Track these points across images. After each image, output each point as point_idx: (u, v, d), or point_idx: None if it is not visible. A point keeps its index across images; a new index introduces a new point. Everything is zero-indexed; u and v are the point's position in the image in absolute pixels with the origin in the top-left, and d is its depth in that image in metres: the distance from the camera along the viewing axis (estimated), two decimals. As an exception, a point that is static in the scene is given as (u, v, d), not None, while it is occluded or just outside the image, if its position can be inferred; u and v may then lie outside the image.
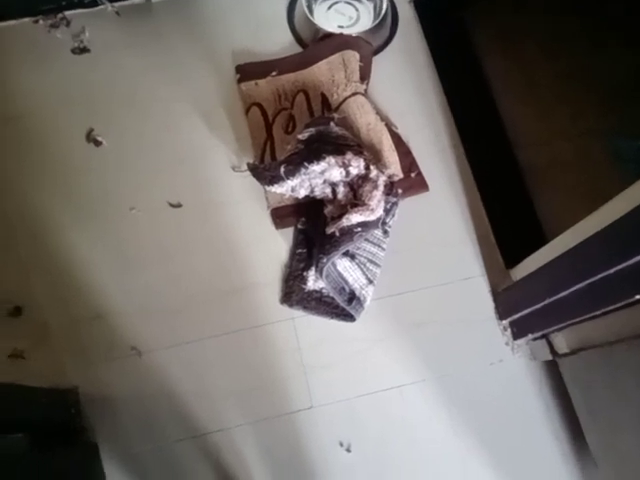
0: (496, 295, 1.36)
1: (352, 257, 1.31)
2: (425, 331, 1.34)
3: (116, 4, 1.63)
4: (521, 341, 1.32)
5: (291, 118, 1.50)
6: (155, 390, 1.27)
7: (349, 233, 1.24)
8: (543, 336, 1.25)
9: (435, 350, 1.33)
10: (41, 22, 1.61)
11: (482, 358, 1.34)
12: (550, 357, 1.24)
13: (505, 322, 1.34)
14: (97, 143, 1.46)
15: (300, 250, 1.38)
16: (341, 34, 1.53)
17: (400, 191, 1.37)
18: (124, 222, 1.39)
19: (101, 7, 1.62)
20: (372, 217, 1.25)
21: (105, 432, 1.23)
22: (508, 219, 1.44)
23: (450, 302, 1.36)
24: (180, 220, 1.40)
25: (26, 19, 1.62)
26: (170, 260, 1.37)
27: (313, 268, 1.33)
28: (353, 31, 1.58)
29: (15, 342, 1.28)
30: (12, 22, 1.61)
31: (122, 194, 1.42)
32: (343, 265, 1.29)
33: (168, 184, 1.43)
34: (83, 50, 1.57)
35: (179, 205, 1.42)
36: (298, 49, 1.62)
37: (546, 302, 1.10)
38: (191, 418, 1.25)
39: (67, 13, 1.62)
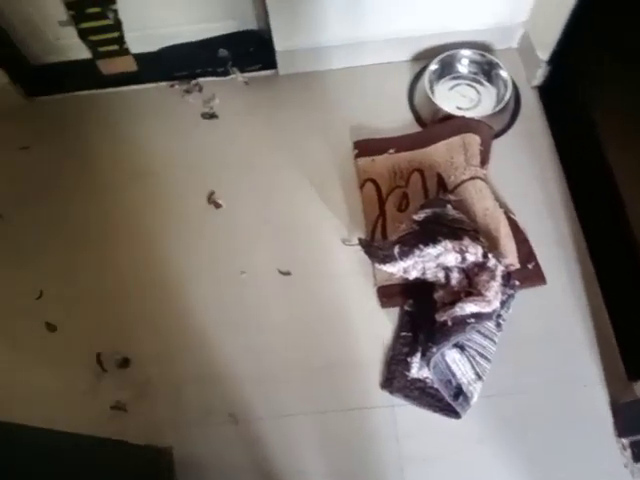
0: (616, 408, 1.24)
1: (462, 349, 1.25)
2: (534, 438, 1.24)
3: (246, 74, 1.72)
4: (644, 464, 1.19)
5: (405, 196, 1.49)
6: (248, 461, 1.24)
7: (461, 323, 1.19)
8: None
9: (544, 460, 1.22)
10: (177, 87, 1.73)
11: (596, 477, 1.21)
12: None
13: (625, 441, 1.21)
14: (217, 205, 1.52)
15: (405, 333, 1.34)
16: (463, 117, 1.53)
17: (517, 283, 1.31)
18: (234, 285, 1.42)
19: (232, 76, 1.72)
20: (488, 309, 1.19)
21: (195, 499, 1.22)
22: (634, 322, 1.33)
23: (563, 409, 1.26)
24: (287, 289, 1.41)
25: (163, 83, 1.75)
26: (274, 328, 1.37)
27: (418, 354, 1.28)
28: (473, 114, 1.57)
29: (119, 394, 1.31)
30: (151, 85, 1.75)
31: (235, 257, 1.45)
32: (452, 357, 1.24)
33: (279, 251, 1.46)
34: (212, 116, 1.66)
35: (288, 273, 1.43)
36: (416, 128, 1.63)
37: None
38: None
39: (200, 80, 1.73)
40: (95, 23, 1.58)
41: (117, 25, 1.60)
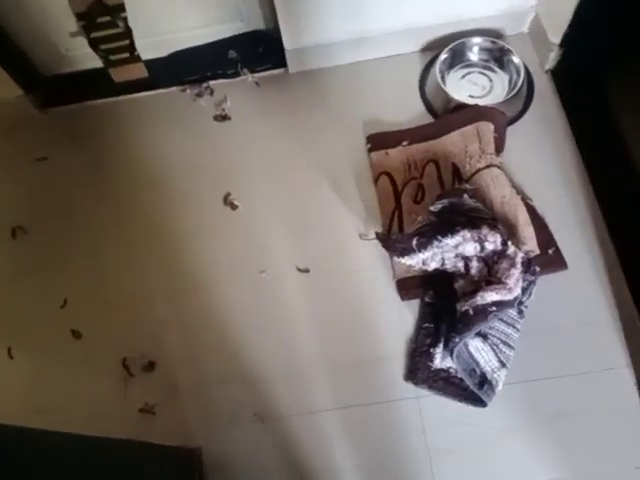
0: (644, 390, 1.23)
1: (484, 337, 1.24)
2: (562, 424, 1.23)
3: (256, 75, 1.73)
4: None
5: (420, 188, 1.49)
6: (277, 459, 1.25)
7: (483, 312, 1.18)
8: None
9: (573, 446, 1.21)
10: (188, 91, 1.74)
11: (627, 460, 1.20)
12: None
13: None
14: (233, 207, 1.53)
15: (427, 324, 1.33)
16: (476, 105, 1.52)
17: (538, 269, 1.29)
18: (254, 285, 1.43)
19: (242, 77, 1.73)
20: (509, 296, 1.18)
21: (226, 499, 1.23)
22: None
23: (590, 393, 1.25)
24: (307, 286, 1.42)
25: (174, 88, 1.76)
26: (296, 326, 1.37)
27: (440, 345, 1.28)
28: (485, 102, 1.56)
29: (147, 397, 1.33)
30: (162, 91, 1.76)
31: (254, 257, 1.46)
32: (475, 346, 1.23)
33: (297, 249, 1.46)
34: (224, 118, 1.67)
35: (307, 270, 1.43)
36: (429, 119, 1.62)
37: None
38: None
39: (211, 83, 1.74)
40: (105, 32, 1.59)
41: (127, 33, 1.61)
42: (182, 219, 1.53)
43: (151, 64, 1.73)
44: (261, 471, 1.24)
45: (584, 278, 1.36)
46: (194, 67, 1.74)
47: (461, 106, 1.55)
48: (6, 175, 1.67)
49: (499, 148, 1.47)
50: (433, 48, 1.69)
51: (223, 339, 1.37)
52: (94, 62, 1.72)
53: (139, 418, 1.31)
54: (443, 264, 1.30)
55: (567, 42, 1.54)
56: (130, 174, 1.62)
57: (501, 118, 1.50)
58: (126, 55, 1.67)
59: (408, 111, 1.63)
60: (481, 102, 1.54)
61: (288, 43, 1.63)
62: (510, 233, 1.32)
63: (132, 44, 1.65)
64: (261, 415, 1.29)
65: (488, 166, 1.42)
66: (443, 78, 1.60)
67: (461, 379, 1.24)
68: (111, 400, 1.34)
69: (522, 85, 1.55)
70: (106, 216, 1.56)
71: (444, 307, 1.31)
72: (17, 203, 1.62)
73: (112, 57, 1.67)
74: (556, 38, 1.55)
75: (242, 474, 1.24)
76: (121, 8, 1.56)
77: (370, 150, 1.55)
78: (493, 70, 1.63)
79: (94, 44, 1.63)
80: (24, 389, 1.38)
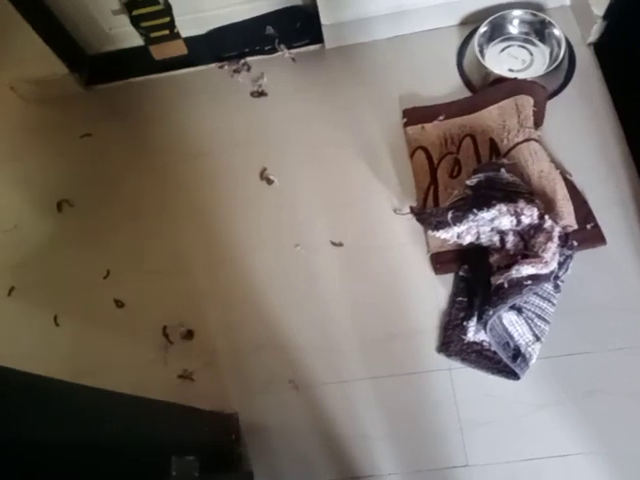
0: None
1: (519, 311, 1.24)
2: (597, 400, 1.22)
3: (293, 51, 1.74)
4: None
5: (457, 162, 1.48)
6: (310, 426, 1.28)
7: (518, 285, 1.18)
8: None
9: (606, 423, 1.20)
10: (226, 67, 1.76)
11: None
12: None
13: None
14: (269, 181, 1.55)
15: (460, 298, 1.34)
16: (515, 79, 1.49)
17: (575, 243, 1.28)
18: (289, 258, 1.45)
19: (279, 53, 1.74)
20: (545, 270, 1.17)
21: (261, 462, 1.27)
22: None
23: (626, 372, 1.23)
24: (340, 259, 1.43)
25: (213, 65, 1.79)
26: (331, 298, 1.39)
27: (474, 318, 1.28)
28: (525, 75, 1.53)
29: (186, 364, 1.37)
30: (201, 67, 1.79)
31: (289, 231, 1.48)
32: (509, 319, 1.23)
33: (331, 224, 1.48)
34: (261, 94, 1.69)
35: (340, 244, 1.45)
36: (466, 93, 1.60)
37: None
38: (344, 459, 1.24)
39: (249, 59, 1.76)
40: (146, 9, 1.63)
41: (167, 10, 1.64)
42: (219, 193, 1.57)
43: (190, 41, 1.76)
44: (294, 436, 1.28)
45: (622, 256, 1.34)
46: (232, 44, 1.76)
47: (500, 80, 1.53)
48: (52, 150, 1.73)
49: (538, 122, 1.45)
50: (472, 22, 1.67)
51: (259, 310, 1.40)
52: (136, 40, 1.76)
53: (178, 384, 1.36)
54: (478, 238, 1.30)
55: (611, 14, 1.50)
56: (170, 149, 1.66)
57: (541, 92, 1.47)
58: (166, 32, 1.70)
59: (446, 86, 1.62)
60: (521, 76, 1.52)
61: (325, 18, 1.63)
62: (548, 207, 1.31)
63: (172, 21, 1.68)
64: (295, 383, 1.32)
65: (526, 140, 1.40)
66: (482, 52, 1.58)
67: (494, 352, 1.24)
68: (152, 366, 1.39)
69: (563, 58, 1.51)
70: (147, 189, 1.61)
71: (478, 281, 1.31)
72: (63, 178, 1.68)
73: (153, 35, 1.70)
74: (600, 10, 1.51)
75: (276, 438, 1.28)
76: (162, -15, 1.58)
77: (406, 125, 1.55)
78: (533, 43, 1.60)
79: (135, 22, 1.66)
80: (69, 355, 1.45)
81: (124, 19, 1.67)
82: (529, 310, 1.24)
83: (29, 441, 0.69)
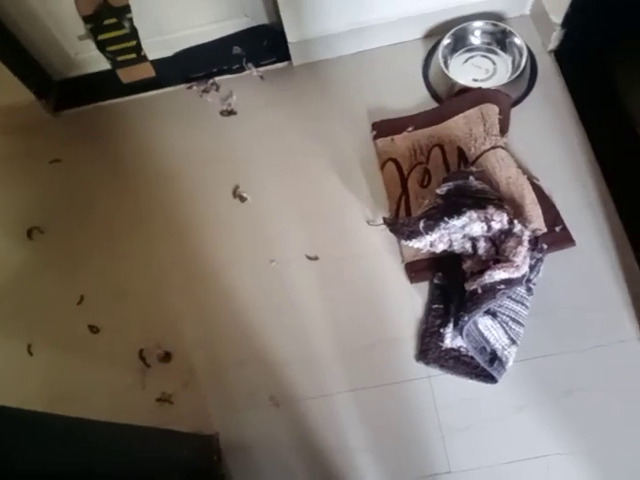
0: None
1: (494, 315, 1.25)
2: (575, 399, 1.23)
3: (261, 69, 1.75)
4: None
5: (426, 172, 1.50)
6: (293, 441, 1.27)
7: (492, 290, 1.19)
8: None
9: (585, 421, 1.21)
10: (195, 88, 1.77)
11: (639, 435, 1.20)
12: None
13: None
14: (242, 199, 1.55)
15: (436, 306, 1.34)
16: (480, 88, 1.52)
17: (545, 246, 1.30)
18: (265, 274, 1.45)
19: (247, 72, 1.76)
20: (517, 274, 1.19)
21: (244, 481, 1.26)
22: (669, 279, 1.31)
23: (602, 369, 1.25)
24: (317, 273, 1.44)
25: (181, 86, 1.79)
26: (307, 312, 1.40)
27: (450, 325, 1.29)
28: (490, 84, 1.57)
29: (164, 386, 1.36)
30: (170, 89, 1.80)
31: (263, 247, 1.48)
32: (484, 324, 1.24)
33: (306, 238, 1.48)
34: (230, 112, 1.70)
35: (316, 258, 1.45)
36: (433, 104, 1.63)
37: None
38: (328, 473, 1.23)
39: (217, 79, 1.77)
40: (112, 34, 1.63)
41: (133, 33, 1.65)
42: (193, 212, 1.56)
43: (158, 63, 1.77)
44: (277, 452, 1.26)
45: (593, 256, 1.36)
46: (200, 64, 1.77)
47: (465, 90, 1.55)
48: (21, 178, 1.71)
49: (504, 129, 1.48)
50: (435, 34, 1.70)
51: (237, 327, 1.40)
52: (103, 64, 1.76)
53: (157, 407, 1.34)
54: (451, 245, 1.31)
55: (569, 22, 1.54)
56: (140, 172, 1.65)
57: (505, 100, 1.50)
58: (133, 56, 1.71)
59: (412, 98, 1.64)
60: (485, 85, 1.55)
61: (291, 36, 1.66)
62: (517, 212, 1.33)
63: (138, 45, 1.69)
64: (276, 399, 1.31)
65: (493, 147, 1.43)
66: (446, 63, 1.61)
67: (472, 357, 1.25)
68: (129, 391, 1.37)
69: (525, 66, 1.55)
70: (120, 211, 1.60)
71: (453, 288, 1.32)
72: (32, 204, 1.66)
73: (120, 58, 1.71)
74: (558, 18, 1.55)
75: (259, 456, 1.27)
76: (127, 9, 1.59)
77: (375, 137, 1.56)
78: (496, 53, 1.64)
79: (101, 46, 1.67)
80: (44, 385, 1.42)
81: (90, 44, 1.68)
82: (504, 314, 1.25)
83: (4, 471, 0.68)
